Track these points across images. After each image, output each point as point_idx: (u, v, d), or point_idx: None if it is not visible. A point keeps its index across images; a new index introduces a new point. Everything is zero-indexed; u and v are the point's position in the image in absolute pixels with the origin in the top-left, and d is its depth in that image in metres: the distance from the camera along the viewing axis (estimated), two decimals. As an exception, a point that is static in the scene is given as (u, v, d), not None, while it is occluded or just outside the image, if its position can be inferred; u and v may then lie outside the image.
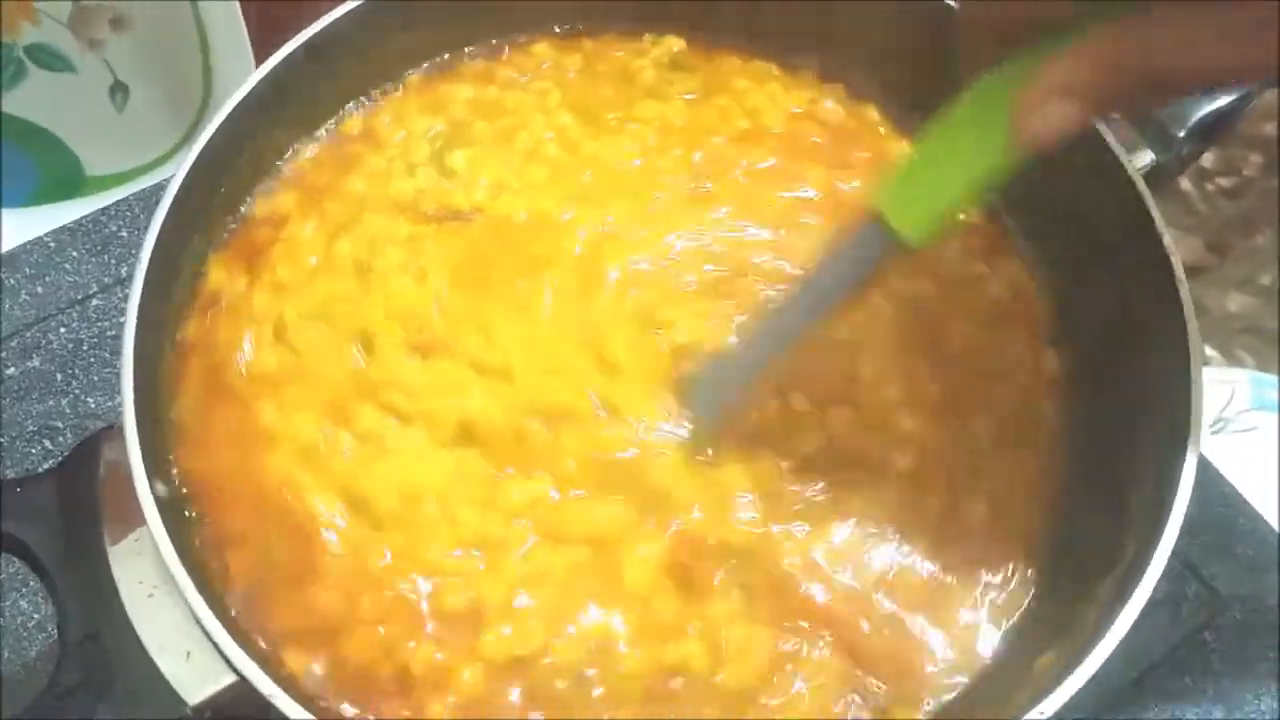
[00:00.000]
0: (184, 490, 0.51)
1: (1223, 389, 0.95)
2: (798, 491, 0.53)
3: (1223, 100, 0.59)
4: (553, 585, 0.50)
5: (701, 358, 0.55)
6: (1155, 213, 0.54)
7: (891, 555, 0.52)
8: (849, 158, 0.63)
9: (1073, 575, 0.52)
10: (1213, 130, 0.59)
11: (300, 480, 0.51)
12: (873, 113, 0.65)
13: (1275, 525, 0.68)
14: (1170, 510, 0.48)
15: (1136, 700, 0.61)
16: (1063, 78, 0.41)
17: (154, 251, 0.51)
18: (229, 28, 0.84)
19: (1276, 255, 1.09)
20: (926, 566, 0.52)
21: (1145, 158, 0.57)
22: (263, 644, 0.48)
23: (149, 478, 0.45)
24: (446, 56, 0.66)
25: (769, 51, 0.67)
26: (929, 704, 0.50)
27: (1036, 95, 0.41)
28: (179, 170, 0.53)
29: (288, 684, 0.42)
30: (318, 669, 0.47)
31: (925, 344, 0.57)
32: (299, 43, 0.58)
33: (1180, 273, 0.53)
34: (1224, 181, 1.10)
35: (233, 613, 0.48)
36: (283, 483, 0.51)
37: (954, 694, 0.50)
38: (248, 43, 0.85)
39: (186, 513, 0.50)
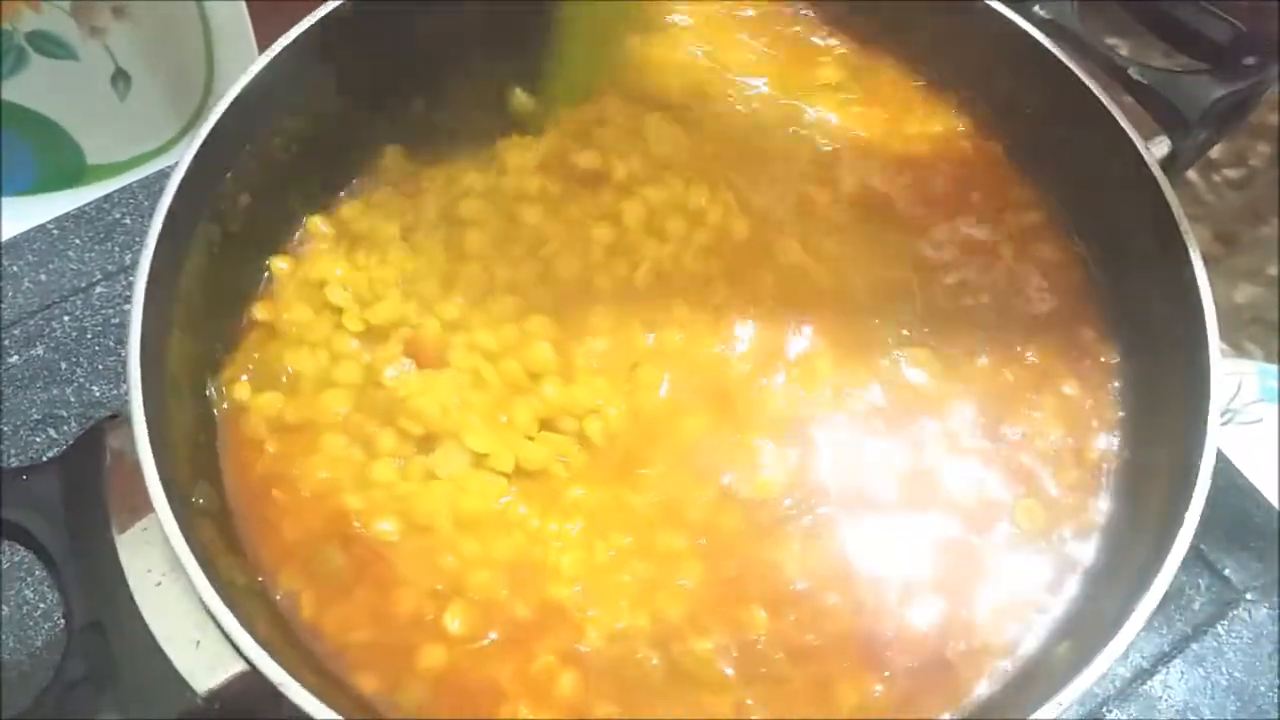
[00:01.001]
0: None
1: (1230, 380, 0.95)
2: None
3: (1238, 86, 0.58)
4: None
5: None
6: (1173, 200, 0.54)
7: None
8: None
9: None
10: (1229, 117, 0.58)
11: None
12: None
13: (1286, 516, 0.67)
14: (1189, 501, 0.47)
15: (1149, 691, 0.61)
16: None
17: (159, 239, 0.50)
18: (232, 15, 0.84)
19: (1284, 246, 1.09)
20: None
21: (1163, 146, 0.57)
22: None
23: (156, 463, 0.45)
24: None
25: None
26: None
27: None
28: (183, 157, 0.52)
29: (298, 672, 0.42)
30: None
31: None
32: (302, 28, 0.58)
33: (1199, 262, 0.52)
34: (1231, 173, 1.10)
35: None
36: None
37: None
38: (250, 30, 0.84)
39: (195, 500, 0.49)
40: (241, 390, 0.54)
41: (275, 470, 0.52)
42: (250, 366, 0.55)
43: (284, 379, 0.55)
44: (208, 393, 0.54)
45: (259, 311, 0.57)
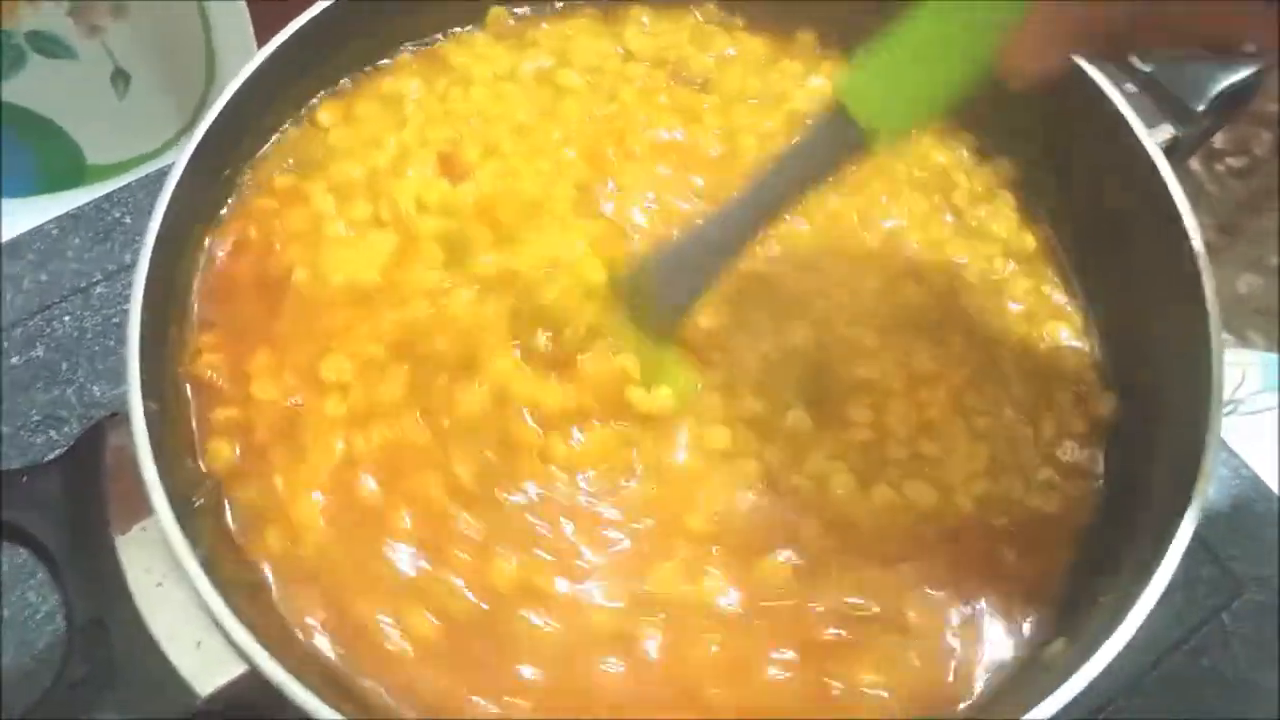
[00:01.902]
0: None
1: (1234, 371, 0.94)
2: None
3: (1241, 73, 0.58)
4: None
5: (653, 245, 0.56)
6: (1175, 188, 0.53)
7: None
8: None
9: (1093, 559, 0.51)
10: (1231, 104, 0.58)
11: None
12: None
13: (1291, 506, 0.67)
14: (1192, 494, 0.47)
15: (1154, 684, 0.61)
16: (1060, 15, 0.39)
17: (157, 238, 0.50)
18: (232, 13, 0.83)
19: (1287, 235, 1.08)
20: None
21: (1165, 132, 0.56)
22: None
23: (155, 462, 0.45)
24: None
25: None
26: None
27: (1031, 28, 0.39)
28: (181, 155, 0.52)
29: (300, 672, 0.41)
30: None
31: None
32: (300, 24, 0.57)
33: (1200, 248, 0.52)
34: (1233, 161, 1.09)
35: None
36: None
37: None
38: (250, 27, 0.84)
39: (195, 501, 0.49)
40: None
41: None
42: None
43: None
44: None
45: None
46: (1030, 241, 0.61)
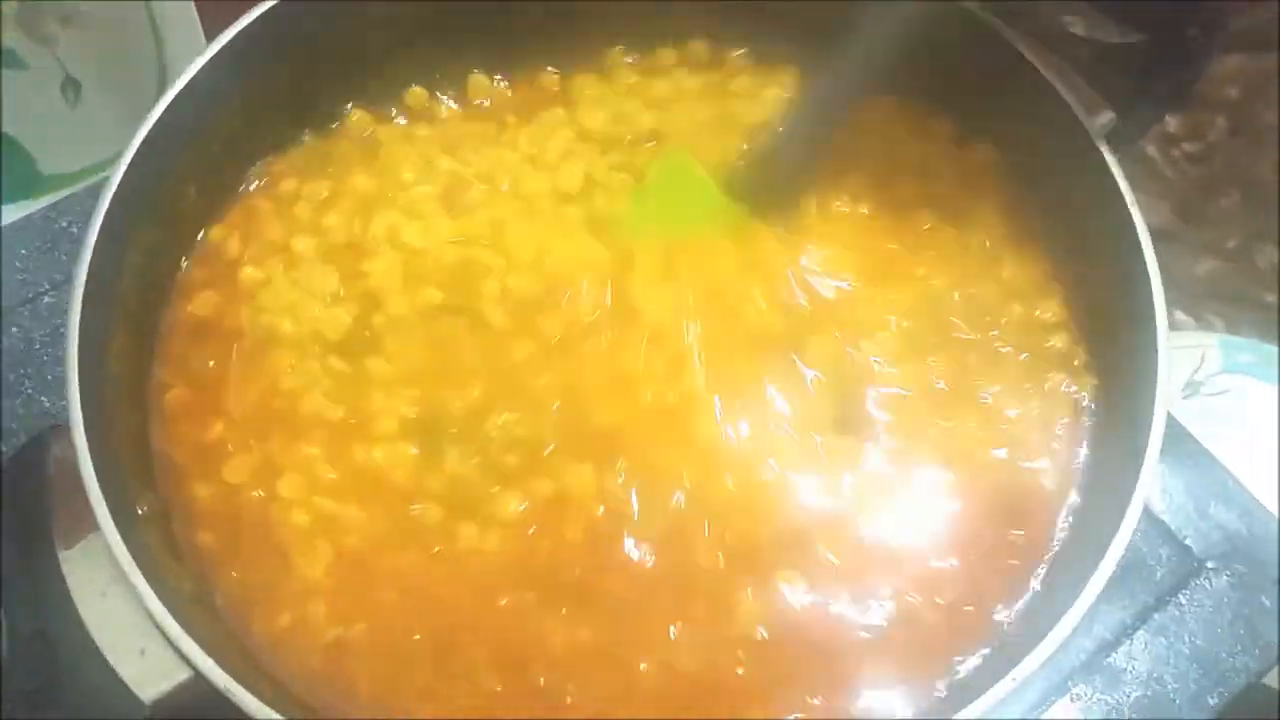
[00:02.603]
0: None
1: (1193, 353, 0.95)
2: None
3: (1181, 60, 0.58)
4: None
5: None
6: (1117, 171, 0.54)
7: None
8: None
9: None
10: (1173, 89, 0.58)
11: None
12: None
13: (1248, 486, 0.67)
14: (1139, 474, 0.47)
15: (1113, 663, 0.61)
16: None
17: (98, 244, 0.50)
18: (180, 16, 0.83)
19: (1243, 218, 1.09)
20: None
21: (1106, 118, 0.56)
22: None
23: (97, 471, 0.44)
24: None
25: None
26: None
27: None
28: (120, 162, 0.52)
29: (244, 676, 0.41)
30: None
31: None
32: (247, 21, 0.57)
33: (1144, 231, 0.52)
34: (1189, 146, 1.10)
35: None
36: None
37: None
38: (201, 33, 0.83)
39: (139, 510, 0.48)
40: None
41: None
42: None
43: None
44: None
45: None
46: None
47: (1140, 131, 0.62)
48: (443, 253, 0.58)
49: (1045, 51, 0.57)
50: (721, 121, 0.62)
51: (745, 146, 0.61)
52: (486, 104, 0.64)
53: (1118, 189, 0.54)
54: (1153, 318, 0.51)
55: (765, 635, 0.49)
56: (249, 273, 0.58)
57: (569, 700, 0.48)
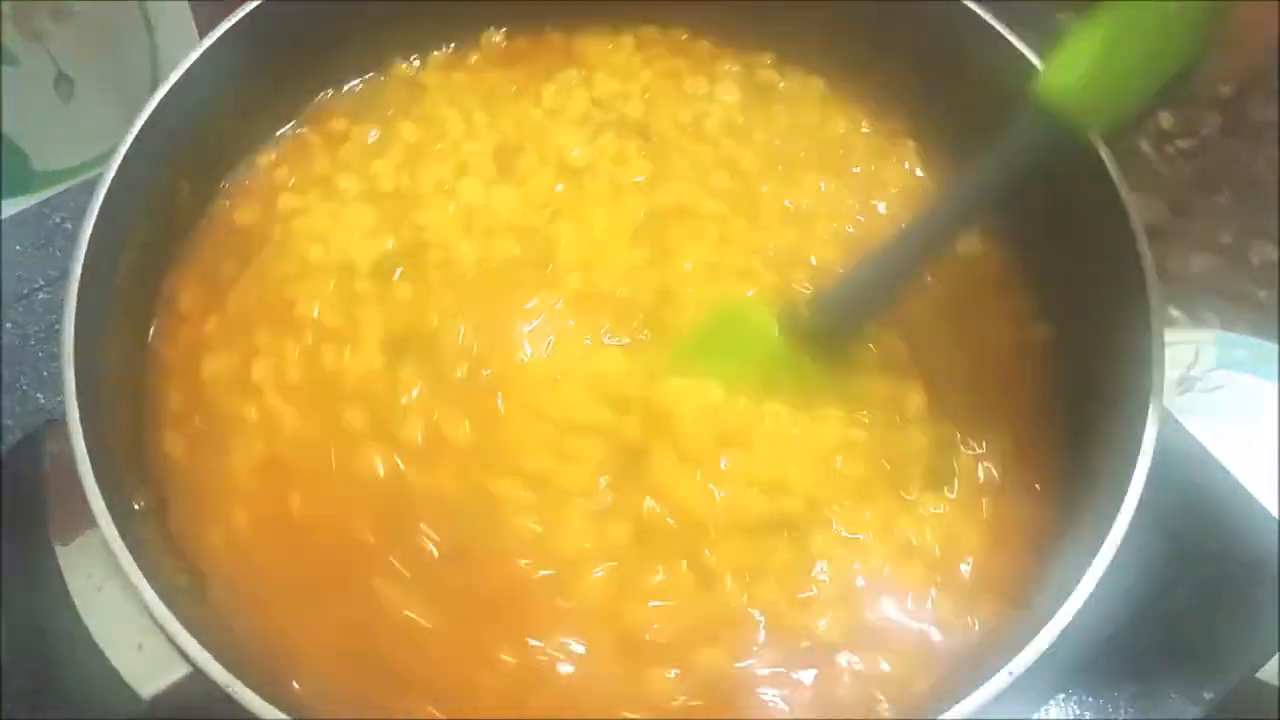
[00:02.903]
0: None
1: (1188, 349, 0.95)
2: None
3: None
4: None
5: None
6: (1112, 168, 0.53)
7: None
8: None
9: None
10: (1170, 84, 0.58)
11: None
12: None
13: (1243, 482, 0.67)
14: (1133, 470, 0.48)
15: (1107, 659, 0.61)
16: None
17: (91, 240, 0.50)
18: (174, 11, 0.83)
19: (1237, 215, 1.09)
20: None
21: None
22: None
23: (93, 466, 0.44)
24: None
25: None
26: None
27: None
28: (114, 158, 0.52)
29: (242, 673, 0.41)
30: None
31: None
32: (239, 16, 0.57)
33: (1139, 227, 0.52)
34: (1183, 143, 1.10)
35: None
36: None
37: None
38: (193, 25, 0.83)
39: (136, 505, 0.48)
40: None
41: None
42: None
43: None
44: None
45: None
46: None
47: (1130, 126, 0.62)
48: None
49: (1036, 42, 0.57)
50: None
51: (810, 288, 0.57)
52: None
53: (1113, 186, 0.54)
54: (1147, 317, 0.51)
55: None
56: (289, 199, 0.60)
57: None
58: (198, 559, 0.49)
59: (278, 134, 0.64)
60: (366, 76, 0.66)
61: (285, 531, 0.51)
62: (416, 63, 0.66)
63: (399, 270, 0.57)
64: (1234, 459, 0.70)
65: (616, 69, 0.65)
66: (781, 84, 0.65)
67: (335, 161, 0.62)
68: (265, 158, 0.63)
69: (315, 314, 0.56)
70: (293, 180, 0.61)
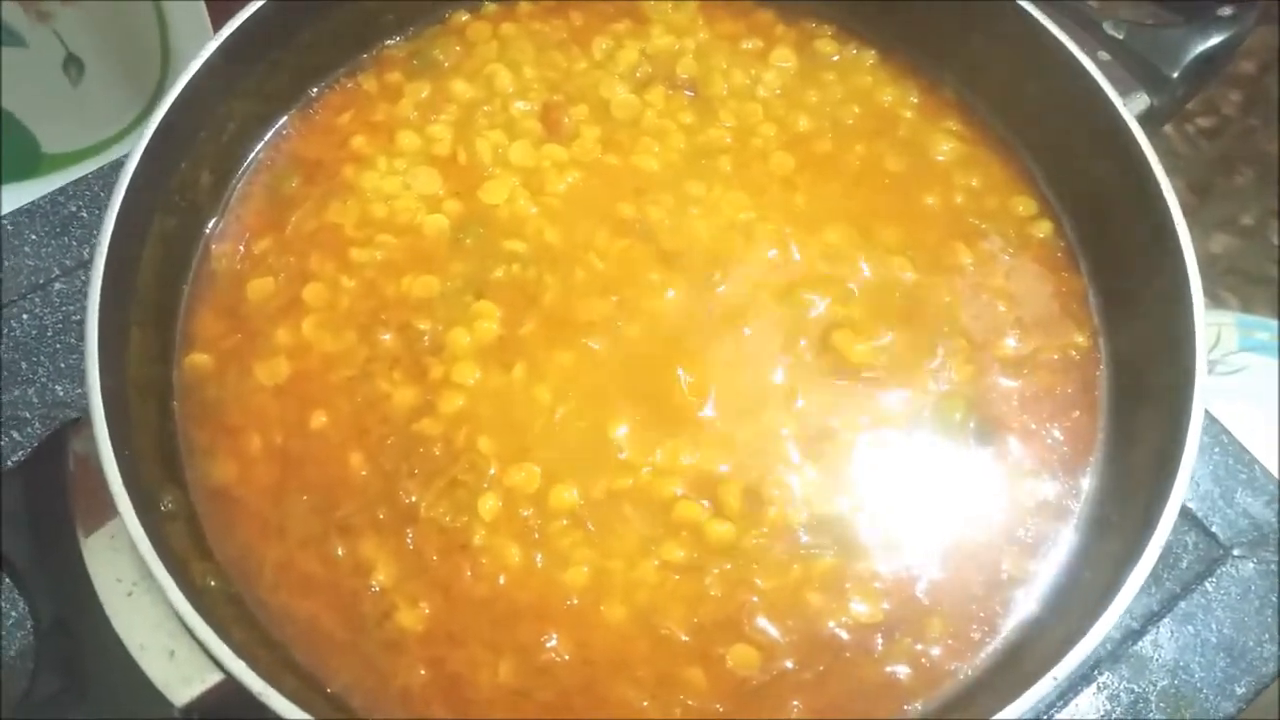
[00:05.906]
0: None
1: (1208, 332, 0.94)
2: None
3: (1215, 38, 0.57)
4: None
5: None
6: (1153, 157, 0.53)
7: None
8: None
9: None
10: (1207, 69, 0.57)
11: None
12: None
13: (1271, 469, 0.67)
14: (1178, 465, 0.47)
15: (1139, 652, 0.61)
16: None
17: (113, 235, 0.48)
18: (186, -4, 0.81)
19: (1257, 195, 1.08)
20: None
21: (1140, 102, 0.55)
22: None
23: (120, 467, 0.43)
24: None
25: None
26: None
27: None
28: (134, 150, 0.51)
29: (276, 678, 0.40)
30: None
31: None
32: (256, 6, 0.56)
33: (1180, 219, 0.51)
34: (1203, 122, 1.09)
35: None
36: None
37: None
38: (204, 8, 0.82)
39: (163, 506, 0.48)
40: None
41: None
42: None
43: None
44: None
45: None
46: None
47: (1170, 114, 0.61)
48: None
49: (1077, 32, 0.56)
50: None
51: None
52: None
53: (1151, 174, 0.53)
54: (1188, 302, 0.50)
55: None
56: (359, 142, 0.60)
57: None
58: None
59: (338, 77, 0.63)
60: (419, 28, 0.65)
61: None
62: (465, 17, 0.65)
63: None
64: (1256, 440, 0.69)
65: (673, 25, 0.64)
66: (836, 56, 0.64)
67: (393, 117, 0.61)
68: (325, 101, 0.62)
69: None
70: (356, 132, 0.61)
